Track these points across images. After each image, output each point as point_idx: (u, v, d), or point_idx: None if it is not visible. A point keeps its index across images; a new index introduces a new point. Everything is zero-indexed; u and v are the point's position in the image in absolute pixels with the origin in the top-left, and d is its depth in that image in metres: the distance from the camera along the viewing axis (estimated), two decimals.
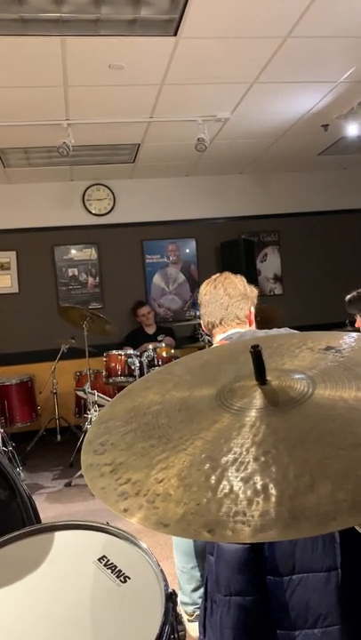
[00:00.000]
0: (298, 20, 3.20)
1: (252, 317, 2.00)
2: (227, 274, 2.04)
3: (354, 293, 2.36)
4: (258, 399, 0.83)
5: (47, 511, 3.93)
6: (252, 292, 2.02)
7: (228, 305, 1.93)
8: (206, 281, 2.04)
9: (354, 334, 1.07)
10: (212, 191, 6.64)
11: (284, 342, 1.06)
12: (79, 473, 4.32)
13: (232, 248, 6.42)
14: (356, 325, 2.37)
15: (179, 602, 2.28)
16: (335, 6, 3.10)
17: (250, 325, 1.99)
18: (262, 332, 1.91)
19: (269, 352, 0.99)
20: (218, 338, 1.96)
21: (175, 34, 3.26)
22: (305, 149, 5.84)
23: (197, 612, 2.06)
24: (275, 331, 1.89)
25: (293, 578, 1.28)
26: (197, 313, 5.82)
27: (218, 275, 2.05)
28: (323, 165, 6.54)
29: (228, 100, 4.36)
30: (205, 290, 2.00)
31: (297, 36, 3.39)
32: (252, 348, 0.84)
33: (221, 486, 0.70)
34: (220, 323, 1.94)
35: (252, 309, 2.00)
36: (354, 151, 5.96)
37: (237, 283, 2.00)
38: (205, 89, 4.10)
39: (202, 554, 2.14)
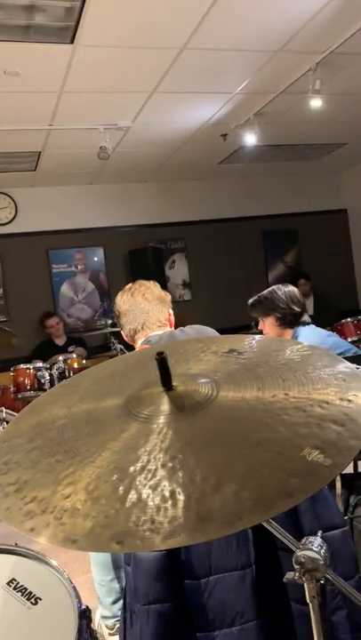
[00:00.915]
0: (193, 31, 3.28)
1: (172, 319, 2.03)
2: (140, 281, 2.06)
3: (255, 297, 2.44)
4: (165, 405, 0.83)
5: None
6: (167, 295, 2.07)
7: (148, 310, 1.96)
8: (121, 291, 2.05)
9: (257, 336, 1.10)
10: (118, 199, 6.63)
11: (189, 347, 1.08)
12: None
13: (141, 256, 6.44)
14: (259, 328, 2.45)
15: (99, 616, 2.25)
16: (228, 20, 3.21)
17: (171, 327, 2.02)
18: (178, 332, 1.94)
19: (175, 357, 1.00)
20: (139, 343, 1.97)
21: (72, 41, 3.23)
22: (206, 158, 5.99)
23: (118, 625, 2.03)
24: (188, 328, 1.93)
25: (210, 579, 1.30)
26: (109, 322, 5.77)
27: (131, 284, 2.06)
28: (223, 174, 6.74)
29: (129, 109, 4.38)
30: (123, 299, 2.01)
31: (193, 48, 3.48)
32: (156, 354, 0.84)
33: (130, 496, 0.69)
34: (142, 327, 1.96)
35: (171, 311, 2.04)
36: (252, 160, 6.20)
37: (153, 287, 2.03)
38: (106, 97, 4.09)
39: (120, 565, 2.12)
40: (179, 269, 7.01)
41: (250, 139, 4.98)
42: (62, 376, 4.63)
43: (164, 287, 2.13)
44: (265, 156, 6.10)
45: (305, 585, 0.79)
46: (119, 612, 2.07)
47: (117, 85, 3.89)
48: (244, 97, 4.38)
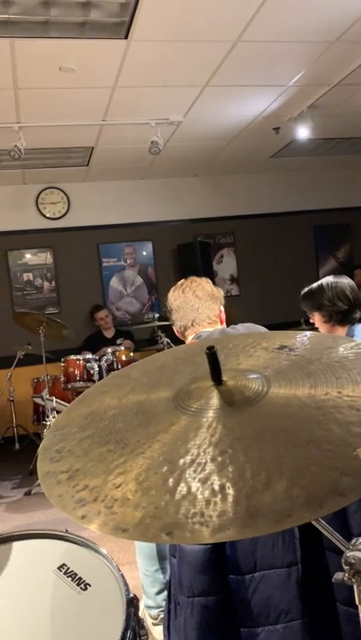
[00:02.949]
0: (247, 24, 3.25)
1: (223, 316, 2.03)
2: (193, 278, 2.07)
3: (306, 290, 2.36)
4: (214, 400, 0.83)
5: (6, 521, 3.84)
6: (219, 292, 2.06)
7: (198, 307, 1.97)
8: (173, 287, 2.06)
9: (307, 333, 1.09)
10: (168, 194, 6.65)
11: (239, 343, 1.08)
12: (39, 481, 4.24)
13: (189, 250, 6.45)
14: (311, 322, 2.38)
15: (143, 606, 2.28)
16: (283, 11, 3.16)
17: (221, 324, 2.02)
18: (230, 329, 1.93)
19: (225, 353, 1.00)
20: (189, 339, 1.98)
21: (126, 37, 3.26)
22: (257, 152, 5.93)
23: (162, 616, 2.06)
24: (240, 326, 1.92)
25: (255, 575, 1.30)
26: (156, 315, 5.82)
27: (184, 280, 2.07)
28: (275, 167, 6.66)
29: (181, 103, 4.38)
30: (174, 295, 2.02)
31: (247, 40, 3.44)
32: (207, 349, 0.84)
33: (179, 488, 0.70)
34: (193, 324, 1.96)
35: (222, 309, 2.04)
36: (305, 153, 6.09)
37: (205, 284, 2.03)
38: (158, 92, 4.11)
39: (165, 556, 2.14)
40: (227, 264, 6.98)
41: (303, 132, 4.89)
42: (111, 368, 4.71)
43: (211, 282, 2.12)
44: (318, 149, 5.98)
45: (354, 586, 0.78)
46: (163, 603, 2.10)
47: (170, 80, 3.90)
48: (297, 89, 4.30)
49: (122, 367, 4.58)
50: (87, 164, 5.72)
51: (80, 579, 0.96)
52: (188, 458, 0.74)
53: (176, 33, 3.27)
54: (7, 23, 2.99)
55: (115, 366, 4.73)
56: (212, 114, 4.65)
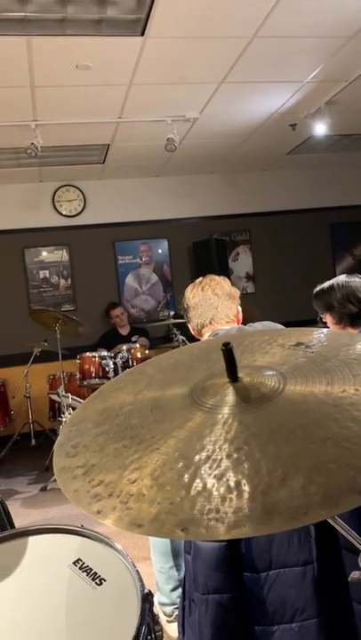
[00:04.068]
0: (264, 20, 3.22)
1: (240, 316, 2.02)
2: (211, 276, 2.07)
3: (318, 288, 2.29)
4: (230, 396, 0.83)
5: (22, 517, 3.88)
6: (237, 292, 2.05)
7: (217, 305, 1.96)
8: (192, 285, 2.06)
9: (324, 330, 1.08)
10: (183, 191, 6.65)
11: (255, 339, 1.07)
12: (54, 477, 4.27)
13: (204, 248, 6.43)
14: (324, 321, 2.34)
15: (157, 602, 2.29)
16: (300, 6, 3.14)
17: (238, 324, 2.01)
18: (248, 328, 1.93)
19: (241, 349, 1.00)
20: (205, 337, 1.98)
21: (142, 34, 3.25)
22: (274, 148, 5.89)
23: (176, 612, 2.06)
24: (258, 324, 1.91)
25: (270, 573, 1.29)
26: (171, 313, 5.82)
27: (202, 278, 2.07)
28: (292, 164, 6.61)
29: (197, 100, 4.37)
30: (193, 293, 2.02)
31: (263, 37, 3.42)
32: (223, 345, 0.84)
33: (195, 484, 0.70)
34: (211, 322, 1.96)
35: (240, 308, 2.03)
36: (322, 150, 6.04)
37: (223, 283, 2.03)
38: (174, 89, 4.10)
39: (180, 553, 2.14)
40: (243, 262, 6.96)
41: (320, 128, 4.85)
42: (126, 365, 4.72)
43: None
44: (335, 145, 5.93)
45: None
46: (177, 600, 2.10)
47: (186, 76, 3.89)
48: (315, 85, 4.27)
49: (137, 364, 4.59)
50: (103, 162, 5.74)
51: (95, 573, 0.96)
52: (204, 454, 0.74)
53: (192, 29, 3.26)
54: (24, 21, 3.01)
55: (130, 363, 4.74)
56: (228, 110, 4.63)
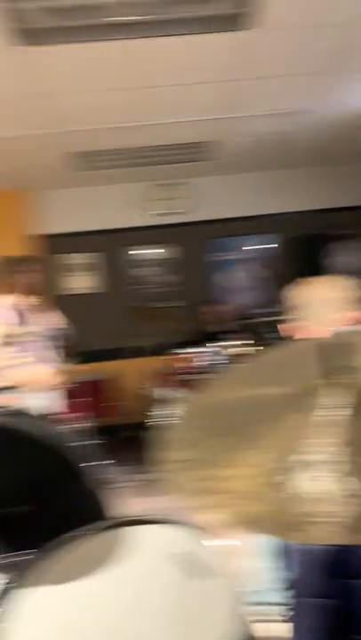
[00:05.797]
0: None
1: (359, 318, 1.94)
2: (324, 276, 2.01)
3: None
4: (343, 398, 0.80)
5: (131, 506, 3.99)
6: (352, 291, 1.97)
7: (330, 305, 1.90)
8: (304, 282, 2.01)
9: None
10: (292, 185, 6.50)
11: None
12: (163, 469, 4.36)
13: (311, 243, 6.26)
14: None
15: (261, 602, 2.26)
16: None
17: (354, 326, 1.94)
18: None
19: (354, 350, 0.96)
20: (312, 336, 1.93)
21: (247, 28, 3.21)
22: None
23: (281, 614, 2.03)
24: None
25: None
26: (275, 310, 5.71)
27: (314, 277, 2.01)
28: None
29: (308, 92, 4.25)
30: (301, 292, 1.97)
31: None
32: (335, 344, 0.81)
33: (306, 486, 0.68)
34: (322, 322, 1.90)
35: (356, 310, 1.95)
36: None
37: (336, 283, 1.95)
38: (282, 81, 4.02)
39: (286, 554, 2.11)
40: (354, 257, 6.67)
41: None
42: (228, 362, 4.72)
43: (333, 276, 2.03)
44: None
45: None
46: (280, 601, 2.07)
47: (294, 68, 3.80)
48: None
49: (239, 361, 4.56)
50: (209, 159, 5.77)
51: (194, 567, 0.97)
52: (315, 456, 0.72)
53: (299, 19, 3.17)
54: (120, 25, 3.07)
55: (229, 361, 4.73)
56: (342, 101, 4.47)
